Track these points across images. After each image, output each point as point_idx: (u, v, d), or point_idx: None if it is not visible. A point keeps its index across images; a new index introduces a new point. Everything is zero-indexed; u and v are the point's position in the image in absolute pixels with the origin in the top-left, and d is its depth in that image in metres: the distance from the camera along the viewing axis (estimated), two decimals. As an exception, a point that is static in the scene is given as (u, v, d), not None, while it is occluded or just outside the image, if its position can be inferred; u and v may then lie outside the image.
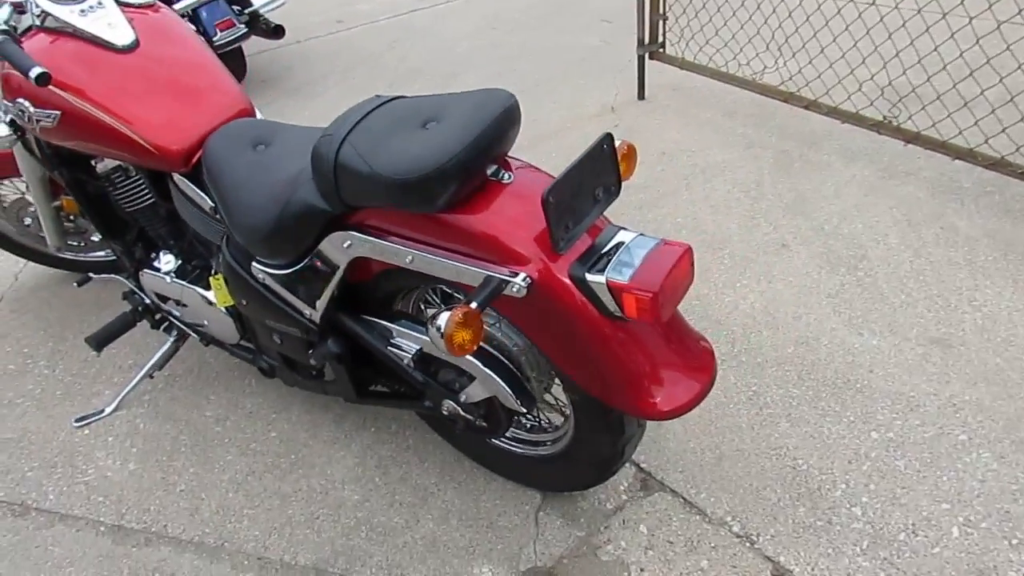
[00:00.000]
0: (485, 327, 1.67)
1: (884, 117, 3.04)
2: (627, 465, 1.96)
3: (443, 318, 1.30)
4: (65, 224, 2.49)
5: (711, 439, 2.00)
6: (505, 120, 1.44)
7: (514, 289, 1.39)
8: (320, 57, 4.76)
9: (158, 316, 2.24)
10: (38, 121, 1.86)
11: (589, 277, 1.37)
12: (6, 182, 2.56)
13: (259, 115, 2.04)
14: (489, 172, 1.46)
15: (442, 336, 1.30)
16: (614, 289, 1.36)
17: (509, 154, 1.55)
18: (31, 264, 2.94)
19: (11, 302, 2.77)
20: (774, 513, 1.80)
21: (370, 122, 1.51)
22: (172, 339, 2.26)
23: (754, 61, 3.52)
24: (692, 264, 1.40)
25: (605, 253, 1.41)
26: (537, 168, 1.54)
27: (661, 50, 3.73)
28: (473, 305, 1.35)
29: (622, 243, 1.42)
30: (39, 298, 2.77)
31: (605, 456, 1.70)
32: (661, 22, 3.65)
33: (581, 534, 1.81)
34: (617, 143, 1.62)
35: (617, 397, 1.47)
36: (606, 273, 1.36)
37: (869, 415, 2.02)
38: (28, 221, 2.58)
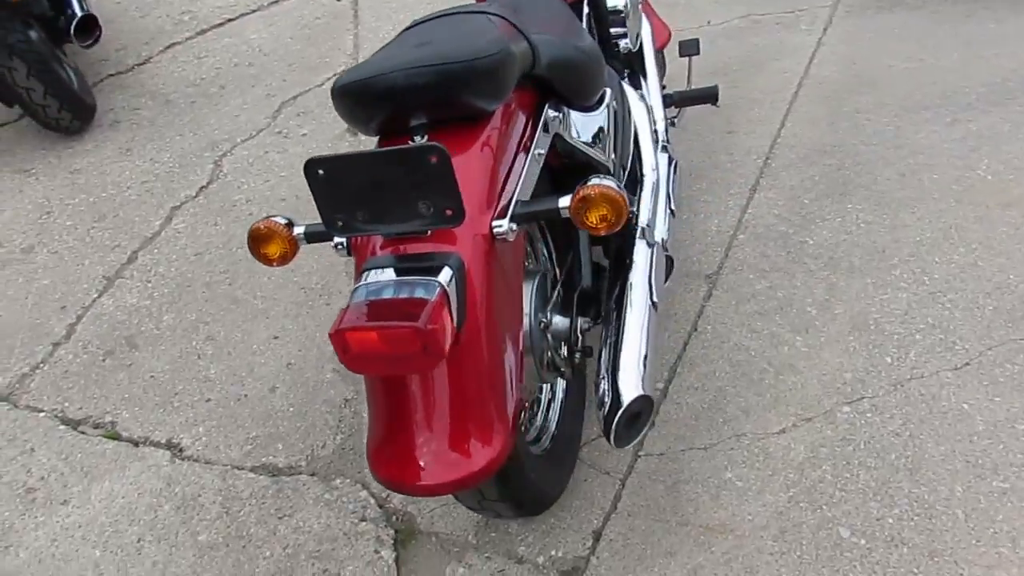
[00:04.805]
0: None
1: None
2: (585, 546, 1.60)
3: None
4: None
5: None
6: (457, 73, 1.20)
7: (333, 244, 1.29)
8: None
9: None
10: None
11: (363, 276, 1.18)
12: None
13: None
14: (412, 123, 1.27)
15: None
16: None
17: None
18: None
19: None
20: None
21: (427, 24, 1.42)
22: None
23: None
24: (420, 347, 1.06)
25: (405, 269, 1.17)
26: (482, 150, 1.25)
27: None
28: (298, 230, 1.32)
29: (420, 272, 1.14)
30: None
31: None
32: None
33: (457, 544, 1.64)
34: (594, 183, 1.18)
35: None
36: (363, 282, 1.16)
37: None
38: None
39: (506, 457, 1.20)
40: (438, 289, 1.11)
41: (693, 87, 2.40)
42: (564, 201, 1.22)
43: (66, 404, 2.04)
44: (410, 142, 1.27)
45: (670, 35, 2.53)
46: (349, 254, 1.29)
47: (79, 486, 1.83)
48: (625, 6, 2.01)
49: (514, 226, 1.21)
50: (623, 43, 2.09)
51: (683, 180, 2.54)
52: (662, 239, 1.81)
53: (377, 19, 3.80)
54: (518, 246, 1.30)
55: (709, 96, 2.31)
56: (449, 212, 1.12)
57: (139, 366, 2.12)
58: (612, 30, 2.05)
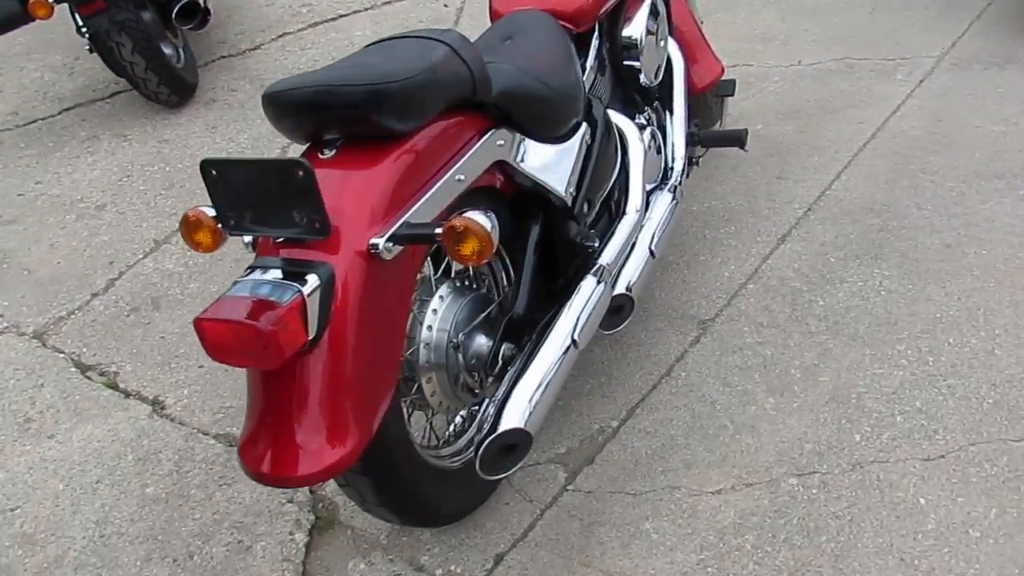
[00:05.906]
0: None
1: None
2: (484, 567, 1.62)
3: None
4: None
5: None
6: (364, 94, 1.26)
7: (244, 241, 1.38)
8: None
9: None
10: None
11: (247, 272, 1.26)
12: None
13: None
14: (327, 136, 1.33)
15: None
16: None
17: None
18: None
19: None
20: None
21: (381, 44, 1.47)
22: None
23: None
24: (260, 346, 1.13)
25: (283, 272, 1.23)
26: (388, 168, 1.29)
27: None
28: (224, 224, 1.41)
29: (292, 277, 1.20)
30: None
31: None
32: None
33: (380, 542, 1.70)
34: (466, 215, 1.20)
35: None
36: (242, 278, 1.23)
37: None
38: None
39: (355, 459, 1.24)
40: (294, 295, 1.17)
41: (726, 128, 2.34)
42: (440, 228, 1.25)
43: (84, 350, 2.25)
44: (319, 155, 1.34)
45: (721, 72, 2.46)
46: (254, 250, 1.37)
47: (67, 424, 2.02)
48: (640, 38, 1.99)
49: (391, 245, 1.24)
50: (642, 77, 2.07)
51: (713, 222, 2.48)
52: (628, 281, 1.79)
53: (475, 27, 3.90)
54: (405, 264, 1.33)
55: (736, 139, 2.24)
56: (316, 225, 1.18)
57: (155, 326, 2.31)
58: (626, 63, 2.04)
